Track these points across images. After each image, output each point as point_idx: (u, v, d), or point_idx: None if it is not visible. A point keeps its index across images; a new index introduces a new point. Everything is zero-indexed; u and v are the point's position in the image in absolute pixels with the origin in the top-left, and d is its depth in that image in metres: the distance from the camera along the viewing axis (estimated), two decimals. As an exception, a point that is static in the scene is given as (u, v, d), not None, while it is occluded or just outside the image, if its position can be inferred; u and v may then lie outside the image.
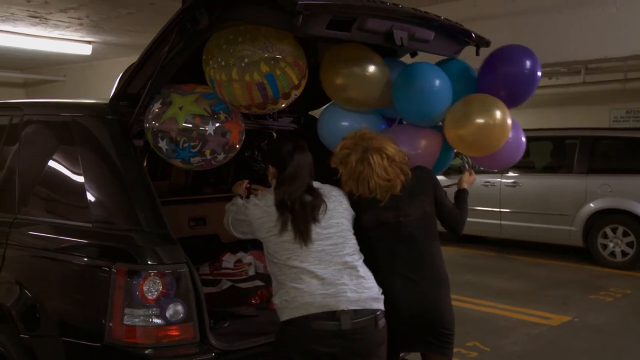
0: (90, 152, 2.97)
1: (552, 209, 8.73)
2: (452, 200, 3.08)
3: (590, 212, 8.48)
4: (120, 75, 3.06)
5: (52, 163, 3.10)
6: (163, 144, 2.86)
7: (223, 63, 2.74)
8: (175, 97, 2.84)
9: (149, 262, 2.61)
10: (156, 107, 2.84)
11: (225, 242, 3.95)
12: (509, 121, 3.08)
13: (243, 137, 3.04)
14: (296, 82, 2.84)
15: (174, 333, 2.63)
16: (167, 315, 2.61)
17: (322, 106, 3.89)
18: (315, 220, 2.65)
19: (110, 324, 2.60)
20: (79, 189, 2.91)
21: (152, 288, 2.60)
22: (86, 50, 11.84)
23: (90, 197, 2.87)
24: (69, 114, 3.13)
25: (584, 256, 8.71)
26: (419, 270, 2.82)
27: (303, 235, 2.60)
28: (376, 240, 2.85)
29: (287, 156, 2.75)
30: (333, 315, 2.50)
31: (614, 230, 8.41)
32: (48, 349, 2.84)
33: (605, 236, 8.47)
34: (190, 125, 2.82)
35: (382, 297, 2.67)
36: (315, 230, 2.63)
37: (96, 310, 2.65)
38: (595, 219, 8.48)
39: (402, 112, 3.21)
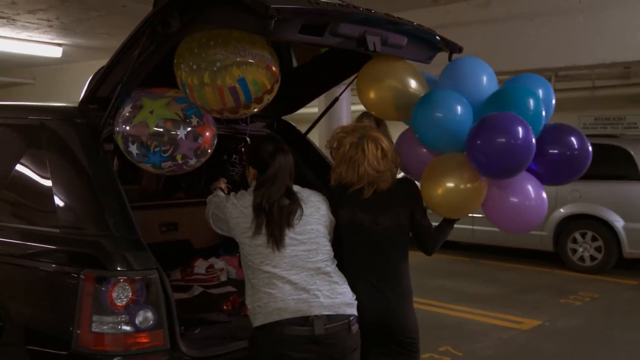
0: (59, 156, 2.91)
1: (524, 214, 8.80)
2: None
3: (560, 217, 8.60)
4: (90, 78, 3.02)
5: (19, 167, 3.03)
6: (133, 149, 2.81)
7: (195, 67, 2.71)
8: (146, 101, 2.80)
9: (119, 268, 2.56)
10: (127, 111, 2.80)
11: (197, 248, 3.91)
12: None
13: (215, 142, 3.01)
14: (269, 87, 2.83)
15: (144, 340, 2.58)
16: (137, 322, 2.56)
17: (295, 111, 3.88)
18: (289, 225, 2.62)
19: (78, 332, 2.54)
20: (47, 194, 2.85)
21: (121, 294, 2.55)
22: (56, 52, 11.65)
23: (58, 201, 2.81)
24: (37, 117, 3.07)
25: (555, 261, 8.83)
26: (384, 279, 2.79)
27: (276, 240, 2.58)
28: (347, 241, 2.82)
29: (268, 157, 2.73)
30: (306, 320, 2.49)
31: (583, 235, 8.54)
32: (12, 357, 2.77)
33: (574, 241, 8.60)
34: (162, 130, 2.78)
35: (356, 302, 2.66)
36: (289, 235, 2.61)
37: (63, 317, 2.60)
38: (565, 224, 8.60)
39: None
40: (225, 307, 3.31)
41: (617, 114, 12.88)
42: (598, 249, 8.45)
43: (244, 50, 2.71)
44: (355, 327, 2.61)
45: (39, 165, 2.98)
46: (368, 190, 2.80)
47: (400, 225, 2.84)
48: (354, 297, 2.66)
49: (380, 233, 2.80)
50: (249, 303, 2.61)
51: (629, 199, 8.30)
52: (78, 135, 2.90)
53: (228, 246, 4.09)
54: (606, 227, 8.35)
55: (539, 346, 5.57)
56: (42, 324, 2.73)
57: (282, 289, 2.53)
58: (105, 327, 2.55)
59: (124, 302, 2.55)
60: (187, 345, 2.66)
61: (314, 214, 2.72)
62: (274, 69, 2.81)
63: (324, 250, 2.68)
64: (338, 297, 2.59)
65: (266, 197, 2.64)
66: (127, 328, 2.56)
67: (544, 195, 3.01)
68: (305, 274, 2.57)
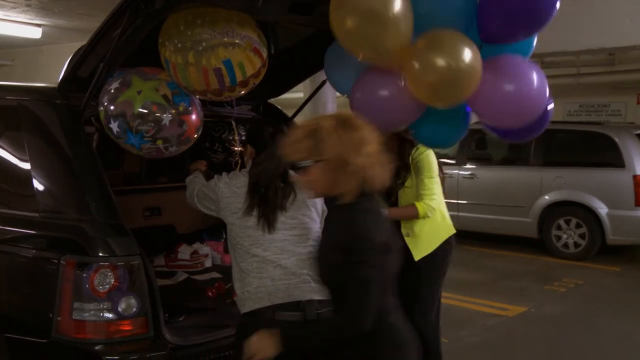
0: (38, 138, 2.82)
1: (508, 200, 8.83)
2: None
3: (545, 204, 8.61)
4: (70, 57, 2.92)
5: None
6: (114, 126, 2.72)
7: (180, 45, 2.63)
8: (135, 80, 2.71)
9: (100, 254, 2.49)
10: (113, 87, 2.70)
11: (181, 233, 3.83)
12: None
13: (200, 132, 2.94)
14: (255, 71, 2.74)
15: (127, 328, 2.51)
16: (119, 309, 2.49)
17: (282, 94, 3.80)
18: (282, 208, 2.56)
19: (59, 319, 2.47)
20: (25, 177, 2.75)
21: (103, 281, 2.48)
22: (35, 33, 11.42)
23: (38, 185, 2.72)
24: (15, 97, 2.96)
25: (539, 247, 8.85)
26: None
27: (268, 222, 2.51)
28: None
29: (269, 138, 2.66)
30: (297, 305, 2.43)
31: (567, 222, 8.55)
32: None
33: (559, 228, 8.61)
34: (146, 112, 2.69)
35: None
36: (281, 219, 2.55)
37: (43, 304, 2.52)
38: (550, 210, 8.61)
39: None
40: (210, 293, 3.25)
41: (602, 101, 12.93)
42: (582, 236, 8.47)
43: (232, 31, 2.63)
44: None
45: (17, 148, 2.88)
46: None
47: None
48: None
49: None
50: (238, 288, 2.53)
51: (613, 186, 8.31)
52: (58, 117, 2.80)
53: (212, 231, 4.02)
54: (590, 214, 8.36)
55: (525, 333, 5.58)
56: (20, 311, 2.65)
57: (272, 273, 2.47)
58: (86, 314, 2.48)
59: (106, 289, 2.49)
60: (172, 333, 2.60)
61: (306, 200, 2.64)
62: (261, 52, 2.73)
63: (315, 237, 2.61)
64: None
65: (262, 177, 2.57)
66: (109, 315, 2.49)
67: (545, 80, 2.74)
68: (295, 259, 2.51)
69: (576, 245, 8.53)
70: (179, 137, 2.81)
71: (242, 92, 2.81)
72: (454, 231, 3.61)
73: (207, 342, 2.72)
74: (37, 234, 2.69)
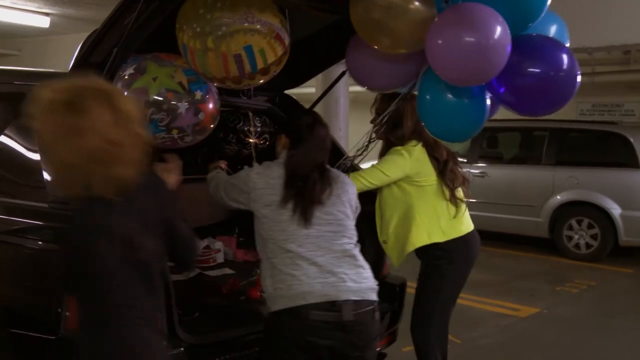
0: (48, 126, 2.69)
1: (520, 200, 8.71)
2: None
3: (557, 204, 8.48)
4: (82, 42, 2.80)
5: (3, 138, 2.82)
6: None
7: (199, 30, 2.51)
8: (151, 66, 2.59)
9: None
10: (127, 73, 2.58)
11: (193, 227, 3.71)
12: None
13: (217, 122, 2.82)
14: (276, 58, 2.63)
15: (139, 326, 2.39)
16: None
17: (298, 85, 3.68)
18: (320, 202, 2.46)
19: (68, 314, 2.35)
20: (34, 167, 2.64)
21: (115, 276, 2.36)
22: (44, 22, 11.30)
23: (48, 175, 2.60)
24: (24, 83, 2.85)
25: (550, 247, 8.73)
26: None
27: (305, 216, 2.41)
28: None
29: (305, 129, 2.55)
30: (333, 305, 2.33)
31: (579, 222, 8.43)
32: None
33: (570, 228, 8.49)
34: (162, 99, 2.58)
35: (377, 288, 2.52)
36: (316, 214, 2.44)
37: (51, 299, 2.40)
38: (562, 210, 8.48)
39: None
40: (224, 290, 3.13)
41: (615, 101, 12.77)
42: (594, 237, 8.35)
43: (253, 16, 2.51)
44: (377, 314, 2.48)
45: (25, 136, 2.76)
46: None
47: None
48: (376, 283, 2.52)
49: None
50: (269, 285, 2.42)
51: (626, 186, 8.18)
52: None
53: (225, 226, 3.91)
54: (603, 215, 8.24)
55: (538, 334, 5.46)
56: (27, 306, 2.54)
57: (307, 270, 2.36)
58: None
59: (117, 284, 2.36)
60: (186, 331, 2.49)
61: (342, 196, 2.54)
62: (283, 38, 2.60)
63: (350, 234, 2.52)
64: (364, 281, 2.45)
65: (300, 170, 2.47)
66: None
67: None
68: (330, 256, 2.41)
69: (588, 246, 8.40)
70: (194, 127, 2.70)
71: (262, 80, 2.69)
72: (432, 241, 3.19)
73: (222, 340, 2.61)
74: (45, 225, 2.57)
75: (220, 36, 2.49)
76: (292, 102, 3.77)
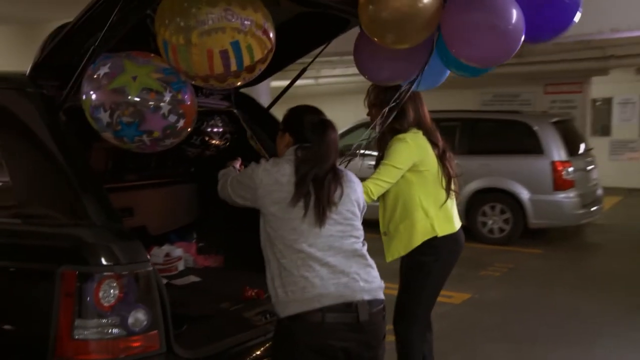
0: (12, 133, 2.45)
1: (436, 189, 8.97)
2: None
3: (471, 191, 8.83)
4: (44, 41, 2.56)
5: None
6: (104, 116, 2.38)
7: (182, 24, 2.34)
8: (129, 65, 2.39)
9: (105, 263, 2.18)
10: (102, 72, 2.37)
11: (153, 235, 3.51)
12: None
13: (194, 124, 2.68)
14: (263, 55, 2.51)
15: (136, 344, 2.23)
16: (128, 323, 2.20)
17: (258, 82, 3.56)
18: (332, 202, 2.40)
19: (56, 340, 2.15)
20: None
21: (108, 293, 2.18)
22: None
23: (17, 187, 2.36)
24: None
25: (466, 234, 9.03)
26: None
27: (320, 217, 2.35)
28: None
29: (312, 128, 2.49)
30: (349, 306, 2.30)
31: (492, 208, 8.83)
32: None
33: (484, 214, 8.87)
34: (143, 99, 2.39)
35: (384, 286, 2.50)
36: (328, 213, 2.39)
37: (36, 324, 2.19)
38: (475, 198, 8.84)
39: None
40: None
41: (513, 92, 13.52)
42: (506, 221, 8.78)
43: (240, 11, 2.38)
44: (385, 313, 2.47)
45: None
46: None
47: None
48: (383, 282, 2.50)
49: None
50: (278, 287, 2.34)
51: (533, 172, 8.66)
52: (35, 108, 2.44)
53: (181, 232, 3.74)
54: (513, 200, 8.68)
55: (475, 319, 5.66)
56: (10, 333, 2.29)
57: (320, 272, 2.31)
58: (89, 332, 2.17)
59: (111, 302, 2.19)
60: (183, 347, 2.34)
61: (351, 195, 2.50)
62: (270, 35, 2.50)
63: (358, 233, 2.49)
64: (374, 280, 2.43)
65: (314, 171, 2.40)
66: (116, 331, 2.19)
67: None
68: (341, 256, 2.37)
69: (501, 230, 8.83)
70: (175, 128, 2.53)
71: (246, 79, 2.56)
72: (437, 234, 3.22)
73: (221, 352, 2.48)
74: (20, 244, 2.33)
75: (206, 31, 2.35)
76: (249, 100, 3.65)
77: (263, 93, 7.76)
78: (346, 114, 10.32)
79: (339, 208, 2.43)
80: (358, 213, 2.53)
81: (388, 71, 2.89)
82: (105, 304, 2.18)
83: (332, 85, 14.21)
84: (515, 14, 2.44)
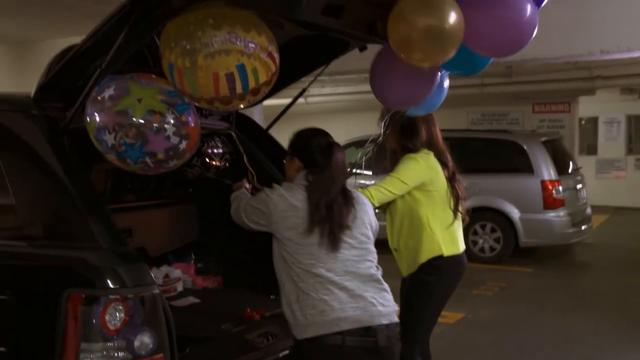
0: (17, 155, 2.44)
1: (427, 208, 9.01)
2: None
3: (462, 210, 8.85)
4: (49, 63, 2.56)
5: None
6: (109, 138, 2.39)
7: (188, 47, 2.36)
8: (133, 87, 2.40)
9: (111, 286, 2.17)
10: (107, 94, 2.38)
11: (152, 256, 3.49)
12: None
13: (197, 145, 2.70)
14: (268, 78, 2.53)
15: (142, 369, 2.21)
16: (134, 347, 2.18)
17: (260, 102, 3.58)
18: (347, 227, 2.42)
19: None
20: (4, 201, 2.37)
21: (114, 316, 2.16)
22: None
23: (21, 209, 2.35)
24: None
25: (457, 253, 9.08)
26: None
27: (335, 241, 2.38)
28: None
29: (321, 151, 2.53)
30: (367, 330, 2.32)
31: (483, 227, 8.87)
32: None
33: (475, 233, 8.91)
34: (148, 121, 2.40)
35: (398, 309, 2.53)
36: (343, 238, 2.42)
37: (41, 348, 2.16)
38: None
39: None
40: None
41: (502, 111, 13.66)
42: (497, 240, 8.83)
43: (245, 34, 2.40)
44: (399, 335, 2.49)
45: None
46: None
47: None
48: (396, 305, 2.52)
49: None
50: (296, 310, 2.36)
51: (523, 191, 8.75)
52: (40, 130, 2.44)
53: (179, 253, 3.72)
54: (504, 219, 8.74)
55: (470, 338, 5.68)
56: (14, 356, 2.26)
57: (339, 296, 2.34)
58: (95, 355, 2.14)
59: (117, 325, 2.17)
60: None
61: (364, 218, 2.54)
62: (275, 57, 2.52)
63: (372, 257, 2.51)
64: (389, 304, 2.47)
65: (325, 196, 2.42)
66: (122, 355, 2.17)
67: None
68: (357, 281, 2.40)
69: (492, 249, 8.87)
70: (179, 150, 2.54)
71: (250, 102, 2.58)
72: (443, 252, 3.24)
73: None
74: (25, 266, 2.31)
75: (211, 53, 2.37)
76: (248, 121, 3.67)
77: (256, 112, 7.78)
78: (336, 133, 10.23)
79: (353, 232, 2.46)
80: (372, 236, 2.57)
81: (404, 95, 2.90)
82: (111, 328, 2.16)
83: (322, 104, 14.28)
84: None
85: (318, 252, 2.37)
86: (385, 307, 2.43)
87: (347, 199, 2.50)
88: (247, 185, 2.89)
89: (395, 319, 2.46)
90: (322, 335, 2.30)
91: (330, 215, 2.41)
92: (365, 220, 2.55)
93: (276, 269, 2.47)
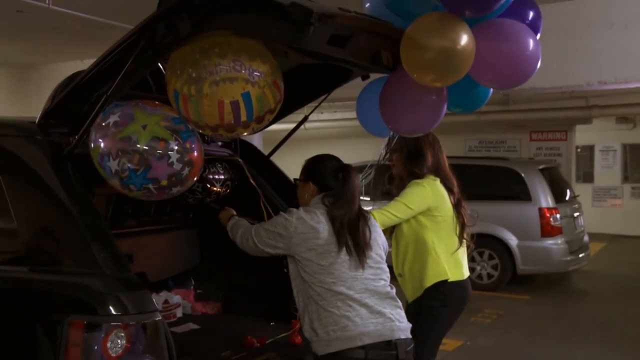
0: (21, 181, 2.44)
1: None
2: None
3: (459, 237, 8.85)
4: (55, 89, 2.58)
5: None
6: (113, 165, 2.40)
7: (194, 75, 2.39)
8: (138, 113, 2.42)
9: (113, 313, 2.16)
10: (111, 121, 2.40)
11: (152, 281, 3.48)
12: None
13: (201, 172, 2.72)
14: (272, 106, 2.56)
15: (144, 398, 2.19)
16: (136, 375, 2.17)
17: (263, 129, 3.60)
18: (368, 245, 2.55)
19: None
20: (6, 226, 2.37)
21: (116, 343, 2.15)
22: None
23: (24, 235, 2.35)
24: None
25: (455, 280, 9.05)
26: None
27: (359, 260, 2.50)
28: None
29: (334, 175, 2.64)
30: (388, 344, 2.44)
31: (481, 254, 8.86)
32: None
33: (473, 260, 8.88)
34: (152, 148, 2.41)
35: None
36: (367, 254, 2.55)
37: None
38: (464, 243, 8.87)
39: None
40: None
41: (499, 138, 13.75)
42: (494, 267, 8.81)
43: (251, 63, 2.43)
44: (414, 351, 2.60)
45: None
46: None
47: None
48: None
49: None
50: (317, 327, 2.44)
51: (521, 218, 8.75)
52: (44, 155, 2.45)
53: (179, 278, 3.71)
54: (502, 246, 8.73)
55: (469, 367, 5.64)
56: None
57: (360, 312, 2.45)
58: (95, 383, 2.13)
59: (119, 352, 2.16)
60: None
61: (377, 239, 2.65)
62: (279, 85, 2.55)
63: (386, 275, 2.62)
64: (404, 320, 2.58)
65: (349, 215, 2.54)
66: (123, 382, 2.16)
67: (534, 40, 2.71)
68: (376, 298, 2.51)
69: (489, 276, 8.84)
70: (182, 176, 2.55)
71: (255, 129, 2.60)
72: (448, 277, 3.21)
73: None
74: (26, 291, 2.30)
75: (216, 81, 2.39)
76: (250, 147, 3.68)
77: (256, 137, 7.81)
78: (334, 158, 10.35)
79: (370, 252, 2.56)
80: (384, 256, 2.67)
81: (412, 122, 2.94)
82: (113, 354, 2.15)
83: (320, 130, 14.34)
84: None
85: (337, 271, 2.47)
86: (401, 322, 2.54)
87: (365, 219, 2.61)
88: (235, 214, 2.95)
89: (410, 335, 2.56)
90: (345, 349, 2.39)
91: (354, 235, 2.52)
92: (379, 240, 2.66)
93: (294, 288, 2.56)
